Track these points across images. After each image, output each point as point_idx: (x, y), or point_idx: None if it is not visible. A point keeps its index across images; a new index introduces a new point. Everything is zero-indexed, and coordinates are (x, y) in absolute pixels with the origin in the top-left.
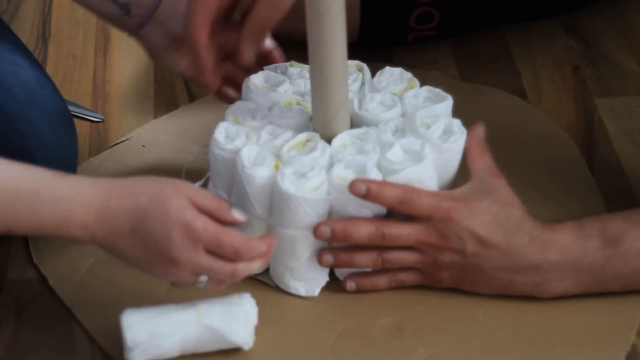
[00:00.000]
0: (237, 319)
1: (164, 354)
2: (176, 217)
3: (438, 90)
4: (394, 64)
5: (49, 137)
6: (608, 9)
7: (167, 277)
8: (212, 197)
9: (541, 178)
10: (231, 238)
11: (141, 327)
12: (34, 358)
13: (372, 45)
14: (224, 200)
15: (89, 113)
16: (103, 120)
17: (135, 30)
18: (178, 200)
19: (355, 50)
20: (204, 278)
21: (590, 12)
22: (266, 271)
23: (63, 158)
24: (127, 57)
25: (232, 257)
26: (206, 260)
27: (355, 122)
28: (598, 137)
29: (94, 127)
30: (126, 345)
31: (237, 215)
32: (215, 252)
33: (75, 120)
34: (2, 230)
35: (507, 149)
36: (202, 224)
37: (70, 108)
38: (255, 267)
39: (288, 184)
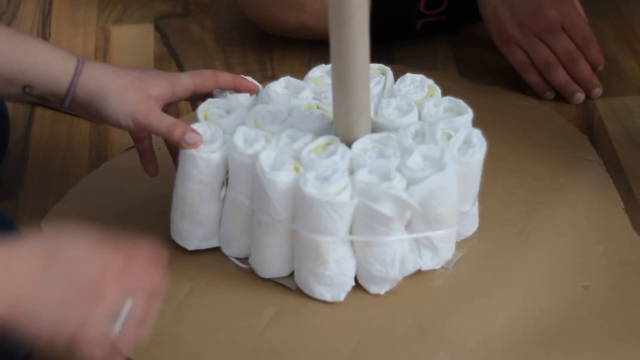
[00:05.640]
0: None
1: None
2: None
3: (459, 101)
4: (394, 63)
5: None
6: (608, 9)
7: (83, 324)
8: None
9: (558, 180)
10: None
11: None
12: (34, 358)
13: (380, 35)
14: None
15: None
16: None
17: (60, 108)
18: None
19: None
20: (118, 325)
21: (590, 12)
22: (289, 275)
23: None
24: (127, 57)
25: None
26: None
27: (372, 129)
28: (598, 137)
29: (93, 127)
30: None
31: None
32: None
33: (76, 120)
34: None
35: (523, 150)
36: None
37: None
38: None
39: (311, 187)
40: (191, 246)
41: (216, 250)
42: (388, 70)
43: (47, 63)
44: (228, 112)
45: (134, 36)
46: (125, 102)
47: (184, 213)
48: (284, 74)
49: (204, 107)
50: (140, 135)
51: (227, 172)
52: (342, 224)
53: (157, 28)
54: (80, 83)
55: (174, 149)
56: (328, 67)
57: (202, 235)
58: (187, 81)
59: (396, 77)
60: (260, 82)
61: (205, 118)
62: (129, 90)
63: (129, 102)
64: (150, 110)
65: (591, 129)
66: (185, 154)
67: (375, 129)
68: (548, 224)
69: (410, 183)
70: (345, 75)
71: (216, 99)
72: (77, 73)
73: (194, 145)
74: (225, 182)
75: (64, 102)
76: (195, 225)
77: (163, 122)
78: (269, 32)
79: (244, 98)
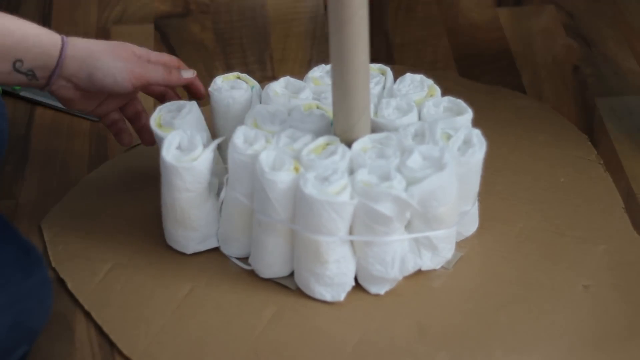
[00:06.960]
0: None
1: None
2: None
3: (459, 101)
4: (394, 63)
5: None
6: (608, 9)
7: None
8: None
9: (558, 179)
10: None
11: None
12: (34, 358)
13: None
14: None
15: None
16: None
17: (45, 88)
18: None
19: None
20: None
21: (590, 12)
22: (289, 275)
23: None
24: None
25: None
26: None
27: (372, 129)
28: (598, 137)
29: (93, 127)
30: None
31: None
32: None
33: (76, 120)
34: None
35: (523, 150)
36: None
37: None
38: None
39: (311, 187)
40: (189, 250)
41: (216, 250)
42: (388, 70)
43: (37, 35)
44: (179, 110)
45: (134, 36)
46: (118, 58)
47: (176, 221)
48: (283, 74)
49: (155, 117)
50: (108, 109)
51: (211, 174)
52: (342, 224)
53: (157, 28)
54: (69, 50)
55: (137, 125)
56: (328, 67)
57: (198, 238)
58: (158, 55)
59: (396, 77)
60: (260, 82)
61: (159, 125)
62: (117, 49)
63: (122, 58)
64: (143, 62)
65: (591, 128)
66: (167, 166)
67: (375, 129)
68: (548, 223)
69: (410, 183)
70: (345, 75)
71: (164, 105)
72: (65, 43)
73: (192, 78)
74: (226, 182)
75: (52, 74)
76: (190, 230)
77: (158, 68)
78: None
79: (239, 94)
